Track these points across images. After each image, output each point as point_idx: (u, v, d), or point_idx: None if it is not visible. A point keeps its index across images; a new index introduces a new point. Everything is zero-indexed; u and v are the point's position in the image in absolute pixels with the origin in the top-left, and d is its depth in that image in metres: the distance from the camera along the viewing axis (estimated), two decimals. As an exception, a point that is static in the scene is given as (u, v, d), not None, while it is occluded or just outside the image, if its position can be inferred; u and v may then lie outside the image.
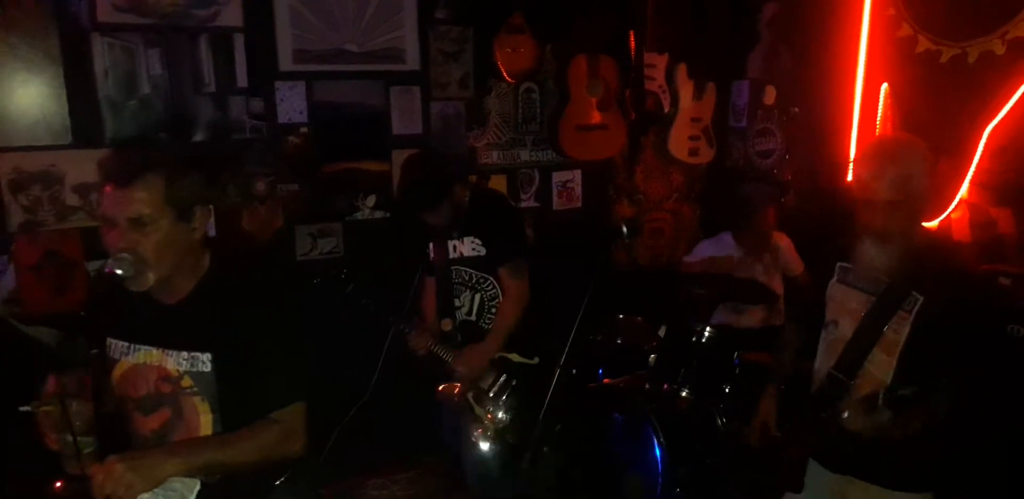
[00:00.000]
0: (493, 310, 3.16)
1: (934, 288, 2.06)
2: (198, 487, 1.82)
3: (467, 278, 3.17)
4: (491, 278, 3.14)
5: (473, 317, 3.20)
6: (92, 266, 3.23)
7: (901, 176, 2.05)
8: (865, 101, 4.26)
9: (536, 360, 3.15)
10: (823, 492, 2.34)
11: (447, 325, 3.21)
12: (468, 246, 3.13)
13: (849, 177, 4.28)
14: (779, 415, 2.44)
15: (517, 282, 3.10)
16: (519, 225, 3.31)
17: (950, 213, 3.86)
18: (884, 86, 4.17)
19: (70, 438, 1.77)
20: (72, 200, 3.27)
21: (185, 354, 1.91)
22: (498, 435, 3.13)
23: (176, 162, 1.86)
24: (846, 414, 1.97)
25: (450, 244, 3.15)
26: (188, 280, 1.92)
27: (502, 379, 3.15)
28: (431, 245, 3.19)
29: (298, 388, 1.94)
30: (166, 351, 1.92)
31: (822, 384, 2.26)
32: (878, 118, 4.21)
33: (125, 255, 1.78)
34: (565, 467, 3.48)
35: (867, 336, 2.14)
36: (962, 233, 3.84)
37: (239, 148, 3.58)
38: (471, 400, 3.17)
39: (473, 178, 4.10)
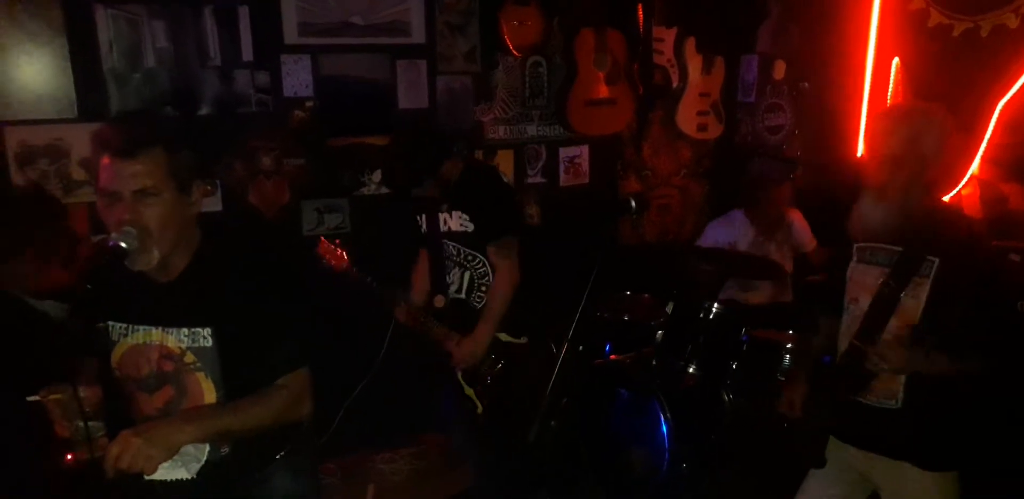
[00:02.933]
0: (483, 288, 3.10)
1: (949, 250, 2.06)
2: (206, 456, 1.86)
3: (456, 254, 3.11)
4: (480, 256, 3.08)
5: (463, 295, 3.14)
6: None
7: (910, 134, 2.06)
8: (876, 76, 4.21)
9: (524, 339, 3.09)
10: (847, 469, 2.34)
11: (440, 301, 3.15)
12: (456, 221, 3.06)
13: (860, 152, 4.29)
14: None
15: (506, 262, 3.02)
16: (508, 202, 3.20)
17: (961, 189, 3.84)
18: (896, 60, 4.12)
19: (81, 424, 1.78)
20: (79, 174, 3.25)
21: (186, 331, 1.90)
22: (487, 413, 3.11)
23: (173, 135, 1.85)
24: (881, 355, 2.00)
25: (440, 217, 3.09)
26: (182, 257, 1.91)
27: (490, 359, 3.09)
28: (423, 217, 3.14)
29: (300, 354, 1.96)
30: (166, 329, 1.91)
31: (843, 356, 2.26)
32: (889, 93, 4.17)
33: (130, 228, 1.76)
34: (571, 442, 3.49)
35: (885, 305, 2.13)
36: (973, 209, 3.82)
37: (244, 122, 3.55)
38: (461, 380, 3.14)
39: (480, 154, 4.07)
